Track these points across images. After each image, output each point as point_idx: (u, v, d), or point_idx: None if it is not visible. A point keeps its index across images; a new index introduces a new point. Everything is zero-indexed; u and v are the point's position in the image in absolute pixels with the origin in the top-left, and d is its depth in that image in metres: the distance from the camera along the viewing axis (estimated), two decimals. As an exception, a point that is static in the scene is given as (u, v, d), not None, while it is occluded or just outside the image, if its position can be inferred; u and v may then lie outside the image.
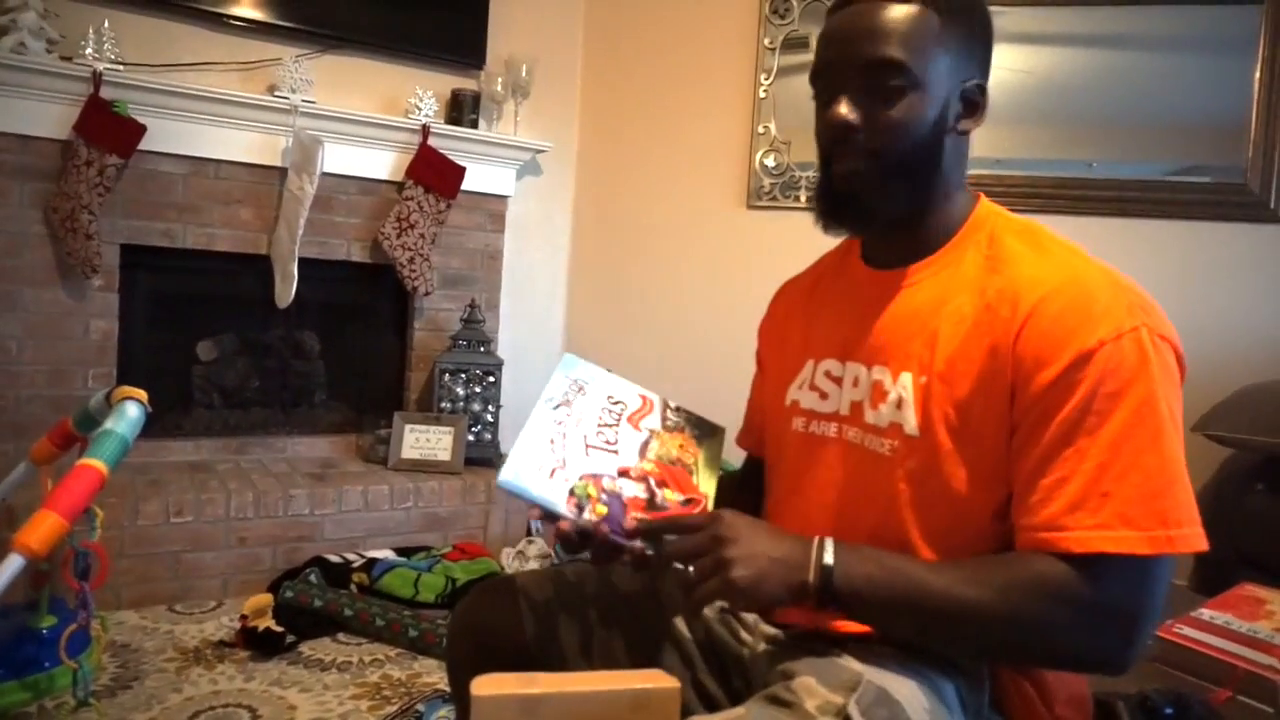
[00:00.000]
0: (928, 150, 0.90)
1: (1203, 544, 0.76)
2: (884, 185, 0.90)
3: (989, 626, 0.79)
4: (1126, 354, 0.78)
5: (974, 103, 0.92)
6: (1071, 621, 0.77)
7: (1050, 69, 2.86)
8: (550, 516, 0.90)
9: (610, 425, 0.97)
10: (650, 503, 0.92)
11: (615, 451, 0.95)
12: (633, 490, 0.92)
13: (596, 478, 0.91)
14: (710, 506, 0.96)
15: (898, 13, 0.87)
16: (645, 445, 0.97)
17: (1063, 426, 0.78)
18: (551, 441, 0.92)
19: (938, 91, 0.88)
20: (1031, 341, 0.81)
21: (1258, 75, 2.65)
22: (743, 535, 0.81)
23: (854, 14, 0.90)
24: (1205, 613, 1.28)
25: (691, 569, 0.82)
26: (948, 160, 0.91)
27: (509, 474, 0.88)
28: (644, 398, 1.01)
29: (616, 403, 0.99)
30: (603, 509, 0.89)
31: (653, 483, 0.94)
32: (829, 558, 0.81)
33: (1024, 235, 0.90)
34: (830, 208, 0.94)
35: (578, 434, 0.94)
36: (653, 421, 1.00)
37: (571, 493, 0.89)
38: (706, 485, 0.98)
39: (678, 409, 1.03)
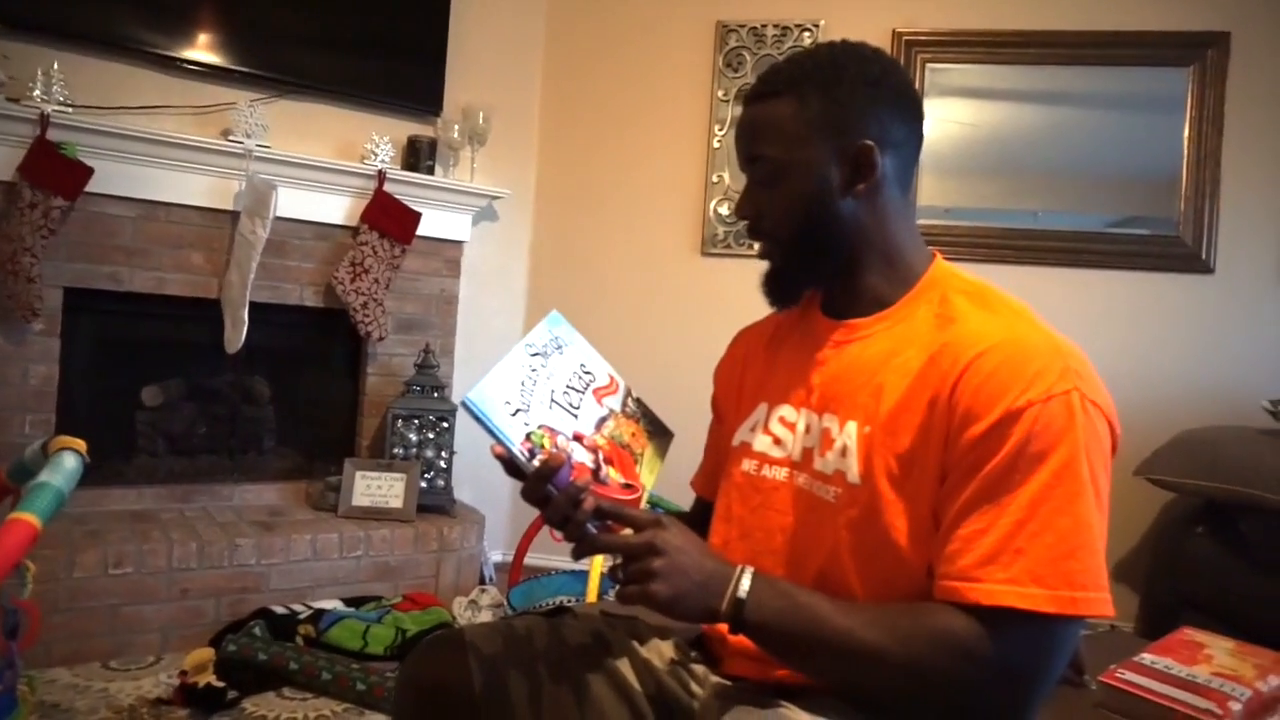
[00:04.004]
0: (820, 219, 0.96)
1: (1108, 610, 0.78)
2: (789, 259, 0.99)
3: (885, 672, 0.81)
4: (1055, 416, 0.80)
5: (862, 163, 0.94)
6: (968, 676, 0.79)
7: (996, 123, 2.97)
8: (510, 463, 0.89)
9: (577, 390, 0.98)
10: (595, 474, 0.93)
11: (575, 415, 0.96)
12: (582, 456, 0.94)
13: (553, 433, 0.92)
14: (646, 498, 0.99)
15: (762, 109, 0.97)
16: (602, 421, 0.99)
17: (986, 481, 0.81)
18: (522, 384, 0.92)
19: (812, 167, 0.94)
20: (965, 395, 0.83)
21: (1187, 133, 2.79)
22: (674, 551, 0.84)
23: (739, 120, 1.02)
24: (1146, 657, 1.31)
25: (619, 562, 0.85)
26: (853, 223, 0.95)
27: (477, 396, 0.87)
28: (612, 378, 1.03)
29: (587, 372, 1.00)
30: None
31: (601, 456, 0.96)
32: (744, 590, 0.84)
33: (974, 296, 0.93)
34: (767, 288, 1.03)
35: (546, 386, 0.95)
36: (614, 403, 1.02)
37: (528, 437, 0.89)
38: (647, 477, 1.01)
39: (638, 400, 1.06)
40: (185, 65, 2.51)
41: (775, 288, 1.02)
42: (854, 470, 0.89)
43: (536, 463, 0.87)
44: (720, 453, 1.13)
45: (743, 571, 0.85)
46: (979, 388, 0.83)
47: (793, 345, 1.06)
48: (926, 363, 0.88)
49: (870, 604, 0.85)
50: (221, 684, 1.95)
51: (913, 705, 0.83)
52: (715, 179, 3.05)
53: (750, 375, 1.10)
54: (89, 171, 2.29)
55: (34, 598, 1.32)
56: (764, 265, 1.03)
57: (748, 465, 1.02)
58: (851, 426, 0.91)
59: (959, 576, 0.80)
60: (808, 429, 0.97)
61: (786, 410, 1.00)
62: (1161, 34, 2.78)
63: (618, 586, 0.85)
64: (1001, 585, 0.77)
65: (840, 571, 0.89)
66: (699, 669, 1.00)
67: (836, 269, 0.98)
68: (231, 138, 2.53)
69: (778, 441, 1.00)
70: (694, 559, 0.84)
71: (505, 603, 2.46)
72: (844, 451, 0.90)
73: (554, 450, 0.90)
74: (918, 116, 0.99)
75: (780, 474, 0.98)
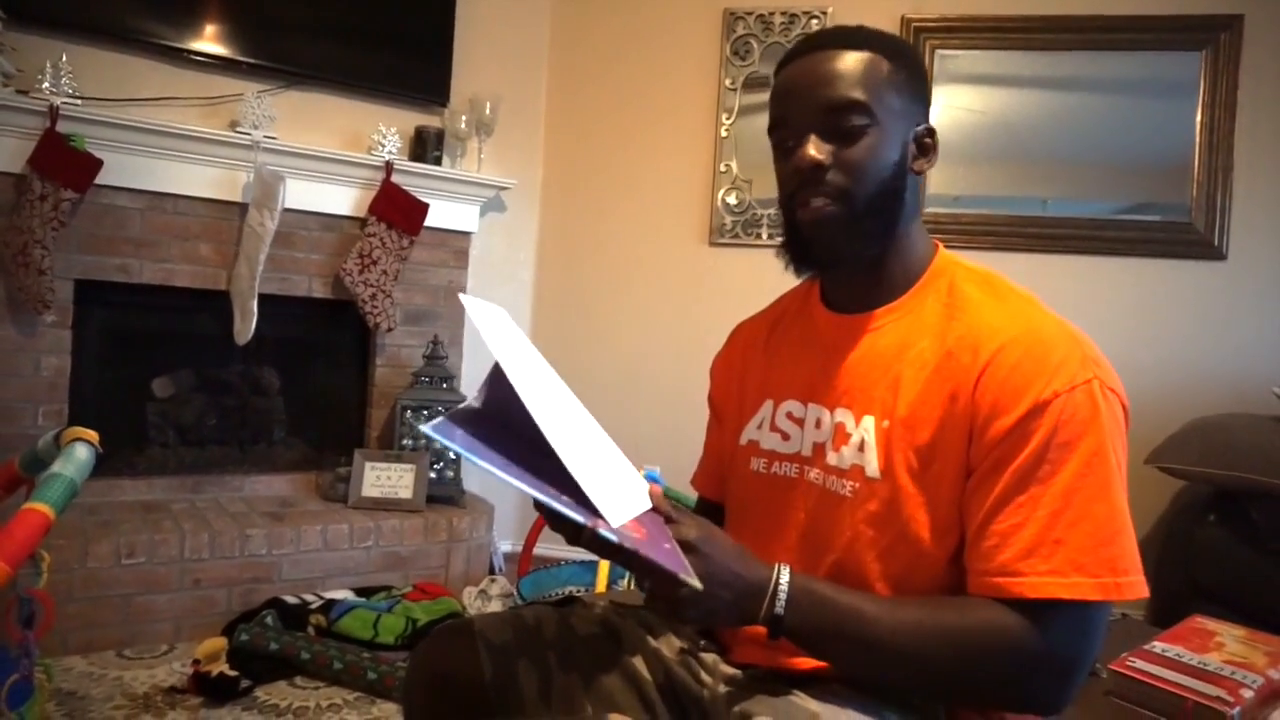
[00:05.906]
0: (892, 188, 0.91)
1: (1144, 591, 0.79)
2: (853, 224, 0.91)
3: (934, 672, 0.81)
4: (1080, 405, 0.80)
5: (925, 145, 0.95)
6: (1017, 668, 0.79)
7: (1004, 109, 2.94)
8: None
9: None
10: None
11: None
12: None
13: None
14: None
15: (850, 58, 0.91)
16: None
17: (1017, 474, 0.80)
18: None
19: (895, 132, 0.91)
20: (990, 389, 0.83)
21: (1199, 118, 2.76)
22: (704, 579, 0.77)
23: (809, 62, 0.92)
24: (1157, 645, 1.30)
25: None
26: (909, 201, 0.94)
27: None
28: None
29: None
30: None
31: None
32: (780, 607, 0.81)
33: (983, 284, 0.92)
34: (800, 250, 0.95)
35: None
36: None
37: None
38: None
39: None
40: (193, 57, 2.52)
41: (813, 251, 0.93)
42: (873, 465, 0.88)
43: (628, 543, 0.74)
44: (720, 451, 1.12)
45: (779, 578, 0.82)
46: (1003, 381, 0.83)
47: (795, 339, 1.04)
48: (943, 356, 0.87)
49: (912, 600, 0.84)
50: (234, 673, 1.96)
51: (962, 698, 0.84)
52: (723, 168, 3.04)
53: (751, 372, 1.08)
54: (98, 163, 2.30)
55: (48, 587, 1.33)
56: (791, 231, 0.94)
57: (756, 464, 1.01)
58: (868, 421, 0.90)
59: (1000, 572, 0.80)
60: (818, 424, 0.95)
61: (793, 405, 0.99)
62: (1173, 18, 2.75)
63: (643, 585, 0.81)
64: (1045, 577, 0.77)
65: (857, 565, 0.89)
66: (708, 658, 1.00)
67: (883, 244, 0.93)
68: (239, 129, 2.53)
69: (786, 437, 0.99)
70: (726, 575, 0.80)
71: (515, 592, 2.47)
72: (861, 446, 0.90)
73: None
74: None
75: (790, 470, 0.97)
